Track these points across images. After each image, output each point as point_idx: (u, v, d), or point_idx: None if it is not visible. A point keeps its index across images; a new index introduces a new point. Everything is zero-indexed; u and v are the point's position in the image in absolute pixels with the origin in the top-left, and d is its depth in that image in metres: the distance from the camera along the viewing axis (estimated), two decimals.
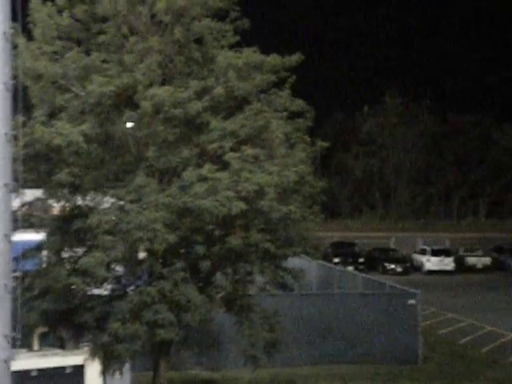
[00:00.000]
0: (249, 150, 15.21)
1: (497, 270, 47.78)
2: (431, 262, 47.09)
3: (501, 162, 73.68)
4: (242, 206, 14.61)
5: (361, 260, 47.82)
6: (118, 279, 16.00)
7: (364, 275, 32.34)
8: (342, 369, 23.79)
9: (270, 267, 17.14)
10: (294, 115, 17.84)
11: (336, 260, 46.83)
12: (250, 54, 16.54)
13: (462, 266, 47.49)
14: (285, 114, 17.30)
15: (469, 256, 48.50)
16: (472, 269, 47.58)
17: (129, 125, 16.03)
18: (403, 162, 74.92)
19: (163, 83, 16.25)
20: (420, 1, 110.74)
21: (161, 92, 15.26)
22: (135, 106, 15.32)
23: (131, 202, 14.64)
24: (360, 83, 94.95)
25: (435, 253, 47.54)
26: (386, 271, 46.17)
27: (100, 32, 16.38)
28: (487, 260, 48.20)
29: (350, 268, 42.97)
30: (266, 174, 15.10)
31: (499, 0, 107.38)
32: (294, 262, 22.03)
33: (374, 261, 48.26)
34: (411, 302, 25.30)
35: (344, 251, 49.68)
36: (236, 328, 17.73)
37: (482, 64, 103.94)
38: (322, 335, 24.52)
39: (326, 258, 46.18)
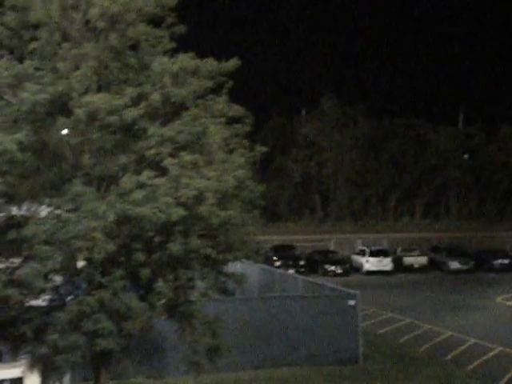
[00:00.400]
0: (187, 156, 15.19)
1: (433, 269, 48.85)
2: (370, 263, 47.81)
3: (435, 164, 75.46)
4: (181, 212, 14.58)
5: (301, 263, 48.19)
6: (56, 289, 15.74)
7: (304, 278, 32.59)
8: (284, 372, 23.95)
9: (211, 273, 17.14)
10: (232, 120, 17.89)
11: (277, 263, 47.06)
12: (186, 60, 16.53)
13: (399, 266, 48.37)
14: (223, 119, 17.33)
15: (406, 256, 49.44)
16: (410, 268, 48.51)
17: (64, 132, 15.82)
18: (341, 165, 75.90)
19: (99, 90, 16.10)
20: (353, 2, 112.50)
21: (96, 99, 15.11)
22: (70, 114, 15.12)
23: (68, 210, 14.43)
24: (298, 87, 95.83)
25: (374, 253, 48.31)
26: (326, 273, 46.64)
27: (32, 39, 16.13)
28: (424, 260, 49.22)
29: (291, 271, 43.27)
30: (204, 180, 15.10)
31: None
32: (235, 267, 22.10)
33: (315, 263, 48.71)
34: (351, 302, 25.64)
35: (285, 254, 50.01)
36: (178, 335, 17.68)
37: (416, 67, 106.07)
38: (264, 339, 24.62)
39: (268, 261, 46.39)
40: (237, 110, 17.43)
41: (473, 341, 28.73)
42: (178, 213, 14.51)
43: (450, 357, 26.38)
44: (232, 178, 15.78)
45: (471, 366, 25.02)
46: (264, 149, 17.92)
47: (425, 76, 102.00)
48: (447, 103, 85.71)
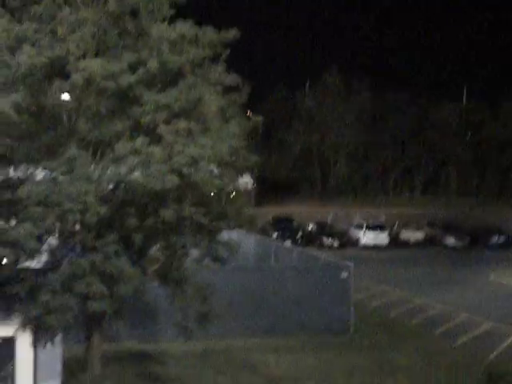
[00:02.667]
0: (182, 124, 15.30)
1: (429, 245, 49.11)
2: (367, 237, 48.07)
3: (436, 140, 75.38)
4: (175, 179, 14.73)
5: (299, 235, 48.48)
6: (50, 252, 15.97)
7: (300, 249, 32.84)
8: (276, 340, 24.26)
9: (204, 240, 17.35)
10: (229, 90, 17.96)
11: (275, 235, 47.35)
12: (185, 28, 16.56)
13: (396, 241, 48.64)
14: (220, 88, 17.40)
15: (403, 231, 49.69)
16: (406, 244, 48.78)
17: (64, 96, 15.91)
18: (342, 139, 75.85)
19: (96, 55, 16.16)
20: None
21: (93, 64, 15.19)
22: (67, 78, 15.20)
23: (63, 173, 14.59)
24: (302, 60, 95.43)
25: (371, 228, 48.55)
26: (323, 246, 46.94)
27: (35, 1, 16.17)
28: (420, 235, 49.47)
29: (288, 242, 43.54)
30: (199, 148, 15.23)
31: None
32: (230, 236, 22.31)
33: (312, 235, 49.00)
34: (344, 274, 25.89)
35: (283, 226, 50.28)
36: (170, 300, 17.95)
37: (420, 42, 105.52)
38: (256, 308, 24.91)
39: (265, 232, 46.68)
40: (234, 79, 17.50)
41: (463, 315, 29.00)
42: (171, 180, 14.66)
43: (440, 330, 26.68)
44: (227, 146, 15.90)
45: (461, 340, 25.31)
46: (259, 119, 18.03)
47: (429, 52, 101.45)
48: (451, 79, 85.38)
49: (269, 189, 67.53)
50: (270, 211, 56.43)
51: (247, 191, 65.03)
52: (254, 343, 23.84)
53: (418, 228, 50.42)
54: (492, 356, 23.17)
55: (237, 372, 20.88)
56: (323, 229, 50.27)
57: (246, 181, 64.83)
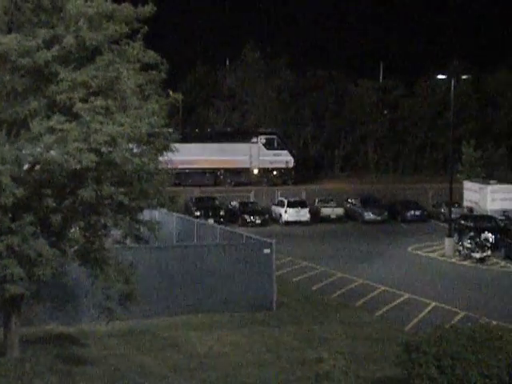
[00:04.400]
0: (99, 102, 15.06)
1: (349, 220, 50.10)
2: (288, 214, 48.58)
3: (355, 116, 76.73)
4: (93, 157, 14.52)
5: (221, 213, 48.57)
6: None
7: (222, 227, 32.95)
8: (200, 318, 24.37)
9: (124, 220, 17.20)
10: (147, 67, 17.76)
11: (197, 213, 47.30)
12: (102, 3, 16.26)
13: (317, 217, 49.37)
14: (138, 65, 17.18)
15: (323, 207, 50.47)
16: (326, 219, 49.56)
17: None
18: (263, 117, 76.15)
19: (9, 32, 15.68)
20: None
21: (7, 40, 14.76)
22: None
23: None
24: (222, 37, 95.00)
25: (292, 204, 49.06)
26: (245, 223, 47.20)
27: None
28: (340, 211, 50.34)
29: (211, 221, 43.58)
30: (117, 126, 15.03)
31: None
32: (152, 215, 22.15)
33: (234, 214, 49.19)
34: (266, 251, 26.15)
35: (205, 205, 50.27)
36: (91, 281, 17.76)
37: (336, 20, 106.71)
38: (179, 286, 24.92)
39: (188, 212, 46.56)
40: (152, 56, 17.32)
41: (383, 288, 29.82)
42: (89, 158, 14.44)
43: (360, 303, 27.36)
44: (146, 124, 15.76)
45: (380, 312, 26.05)
46: (179, 96, 17.91)
47: (346, 29, 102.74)
48: (367, 57, 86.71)
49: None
50: (191, 190, 56.33)
51: (288, 169, 65.45)
52: (177, 321, 23.87)
53: (338, 203, 51.34)
54: (409, 327, 23.95)
55: (161, 351, 20.89)
56: (246, 206, 50.53)
57: (289, 159, 65.58)
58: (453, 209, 40.76)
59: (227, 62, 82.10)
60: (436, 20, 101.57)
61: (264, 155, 64.15)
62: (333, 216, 50.09)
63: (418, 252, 38.74)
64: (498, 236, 37.87)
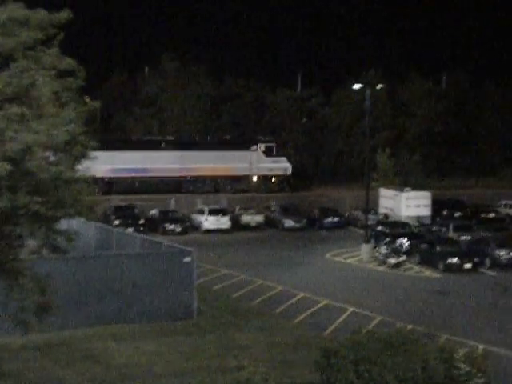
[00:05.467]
0: (14, 109, 14.68)
1: (269, 227, 50.47)
2: (209, 222, 48.57)
3: (274, 124, 77.56)
4: (7, 166, 14.14)
5: (141, 222, 48.10)
6: None
7: (142, 236, 32.65)
8: (119, 328, 24.06)
9: (40, 230, 16.78)
10: (64, 74, 17.45)
11: (116, 222, 46.66)
12: (15, 9, 15.87)
13: (237, 225, 49.53)
14: (54, 72, 16.85)
15: (243, 215, 50.70)
16: (247, 227, 49.82)
17: None
18: (183, 125, 75.91)
19: None
20: None
21: None
22: None
23: None
24: (141, 45, 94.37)
25: (212, 212, 49.09)
26: (166, 232, 46.90)
27: None
28: (260, 218, 50.68)
29: (130, 230, 43.10)
30: (33, 134, 14.69)
31: None
32: (69, 224, 21.71)
33: (154, 222, 48.80)
34: (187, 259, 26.07)
35: (124, 214, 49.66)
36: (5, 293, 17.25)
37: (254, 29, 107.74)
38: (98, 297, 24.54)
39: (107, 221, 45.88)
40: (69, 62, 17.00)
41: (302, 294, 30.20)
42: (3, 167, 14.05)
43: (280, 310, 27.62)
44: (63, 132, 15.46)
45: (299, 318, 26.37)
46: (97, 104, 17.66)
47: (264, 39, 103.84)
48: (286, 67, 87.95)
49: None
50: (111, 199, 55.56)
51: (286, 176, 66.14)
52: (96, 332, 23.51)
53: (258, 211, 51.66)
54: (327, 332, 24.34)
55: (78, 362, 20.53)
56: (166, 215, 50.20)
57: (286, 166, 66.20)
58: (369, 215, 41.65)
59: (146, 70, 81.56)
60: (352, 31, 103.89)
61: (263, 162, 65.14)
62: (253, 224, 50.39)
63: (336, 258, 39.41)
64: (413, 242, 38.94)
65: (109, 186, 60.93)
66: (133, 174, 61.85)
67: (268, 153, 65.69)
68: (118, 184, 61.55)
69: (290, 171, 66.27)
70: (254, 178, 65.17)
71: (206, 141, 67.30)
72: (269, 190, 64.19)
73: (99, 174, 59.99)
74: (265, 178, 65.29)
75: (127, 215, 49.34)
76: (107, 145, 61.31)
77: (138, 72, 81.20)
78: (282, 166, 65.86)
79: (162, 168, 62.07)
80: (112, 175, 60.75)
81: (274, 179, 65.72)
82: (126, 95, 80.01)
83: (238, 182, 64.53)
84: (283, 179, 66.10)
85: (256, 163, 65.00)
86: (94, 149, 17.54)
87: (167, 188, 61.49)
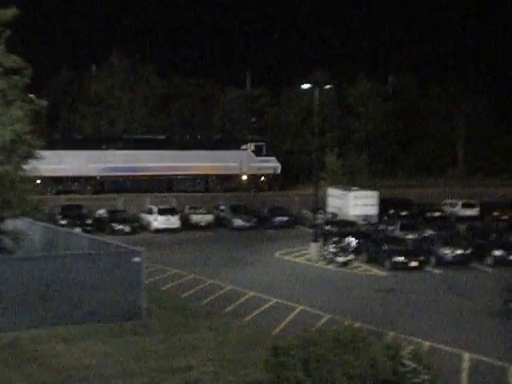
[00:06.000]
0: None
1: (219, 226, 50.48)
2: (158, 221, 48.31)
3: (223, 123, 77.60)
4: None
5: (88, 222, 47.56)
6: None
7: (90, 236, 32.29)
8: (67, 329, 23.74)
9: None
10: (10, 72, 17.22)
11: (63, 222, 46.04)
12: None
13: (187, 224, 49.39)
14: (0, 70, 16.62)
15: (193, 214, 50.58)
16: (196, 226, 49.71)
17: None
18: (131, 123, 75.27)
19: None
20: None
21: None
22: None
23: None
24: (88, 42, 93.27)
25: (162, 212, 48.81)
26: (114, 232, 46.46)
27: None
28: (210, 217, 50.64)
29: (78, 230, 42.58)
30: None
31: None
32: (15, 224, 21.41)
33: (102, 222, 48.31)
34: (135, 259, 25.88)
35: (71, 213, 49.03)
36: None
37: (203, 28, 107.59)
38: (45, 297, 24.17)
39: (54, 220, 45.27)
40: (15, 60, 16.81)
41: (251, 294, 30.30)
42: None
43: (229, 309, 27.65)
44: (9, 131, 15.26)
45: (249, 317, 26.44)
46: (44, 102, 17.49)
47: (213, 38, 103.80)
48: (235, 66, 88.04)
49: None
50: (58, 199, 54.84)
51: (275, 175, 67.21)
52: (43, 334, 23.16)
53: (208, 211, 51.62)
54: (276, 331, 24.48)
55: (25, 365, 20.20)
56: (114, 215, 49.73)
57: (276, 165, 67.26)
58: (318, 215, 42.02)
59: (93, 68, 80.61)
60: (300, 31, 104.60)
61: (253, 162, 66.02)
62: (203, 223, 50.35)
63: (285, 257, 39.65)
64: (360, 240, 39.45)
65: (101, 185, 61.96)
66: (123, 173, 62.51)
67: (258, 152, 66.85)
68: (109, 183, 62.26)
69: (279, 170, 67.79)
70: (244, 177, 66.25)
71: (197, 140, 68.04)
72: (258, 188, 65.34)
73: (92, 173, 61.34)
74: (254, 177, 66.43)
75: (74, 215, 48.74)
76: (97, 144, 63.16)
77: (85, 70, 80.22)
78: (271, 165, 67.23)
79: (154, 167, 62.89)
80: (104, 174, 61.68)
81: (263, 178, 67.02)
82: (73, 93, 79.01)
83: (228, 181, 65.48)
84: (272, 178, 67.41)
85: (246, 162, 66.04)
86: (42, 148, 17.37)
87: (158, 187, 62.27)
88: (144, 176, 62.75)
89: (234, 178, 65.58)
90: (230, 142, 68.01)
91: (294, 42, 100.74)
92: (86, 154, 61.29)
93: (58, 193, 59.78)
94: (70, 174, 61.08)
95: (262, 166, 66.46)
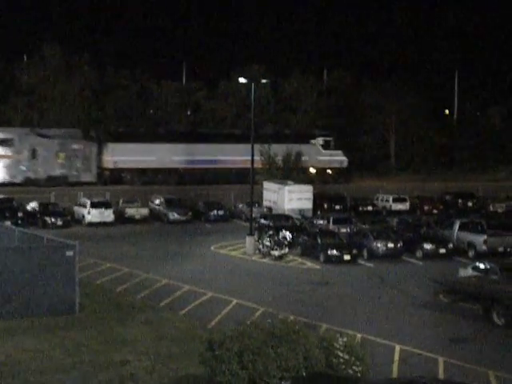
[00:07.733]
0: None
1: (154, 220, 50.13)
2: (91, 215, 47.63)
3: (159, 116, 77.11)
4: None
5: (20, 215, 46.53)
6: None
7: (21, 229, 31.63)
8: None
9: None
10: None
11: None
12: None
13: (121, 218, 48.86)
14: None
15: (128, 208, 50.06)
16: (131, 220, 49.25)
17: None
18: (65, 115, 73.99)
19: None
20: None
21: None
22: None
23: None
24: (18, 32, 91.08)
25: (95, 205, 48.14)
26: (46, 225, 45.61)
27: None
28: (145, 211, 50.23)
29: (8, 223, 41.60)
30: None
31: None
32: None
33: (34, 215, 47.36)
34: (69, 253, 25.51)
35: (1, 206, 47.88)
36: None
37: (139, 20, 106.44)
38: None
39: None
40: None
41: (187, 287, 30.25)
42: None
43: (164, 303, 27.55)
44: None
45: (184, 311, 26.41)
46: None
47: (149, 29, 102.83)
48: (171, 59, 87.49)
49: None
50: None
51: (342, 169, 69.97)
52: None
53: (143, 204, 51.20)
54: (212, 324, 24.53)
55: None
56: (46, 208, 48.81)
57: (343, 159, 70.02)
58: (253, 208, 42.22)
59: (25, 58, 78.85)
60: (237, 25, 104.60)
61: (321, 155, 68.78)
62: (137, 216, 49.95)
63: (221, 251, 39.71)
64: (295, 234, 39.81)
65: (181, 176, 65.54)
66: (204, 166, 66.07)
67: (326, 146, 69.82)
68: (189, 175, 65.68)
69: (345, 164, 70.69)
70: (312, 170, 68.15)
71: (272, 134, 68.58)
72: (324, 181, 66.76)
73: (173, 165, 64.98)
74: (322, 170, 69.12)
75: (5, 208, 47.62)
76: (180, 138, 66.42)
77: (16, 60, 78.38)
78: (338, 159, 70.27)
79: (231, 160, 65.94)
80: (185, 166, 65.65)
81: (329, 171, 69.64)
82: (3, 83, 77.19)
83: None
84: (339, 171, 69.98)
85: (315, 156, 68.72)
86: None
87: (237, 178, 63.75)
88: (223, 168, 66.08)
89: (303, 170, 66.65)
90: (300, 136, 70.06)
91: (231, 35, 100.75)
92: (170, 147, 64.39)
93: (144, 183, 62.88)
94: (154, 166, 64.28)
95: (329, 160, 69.34)
